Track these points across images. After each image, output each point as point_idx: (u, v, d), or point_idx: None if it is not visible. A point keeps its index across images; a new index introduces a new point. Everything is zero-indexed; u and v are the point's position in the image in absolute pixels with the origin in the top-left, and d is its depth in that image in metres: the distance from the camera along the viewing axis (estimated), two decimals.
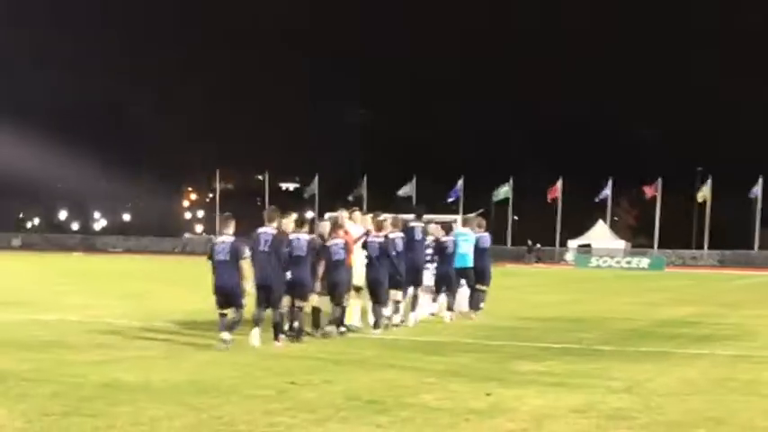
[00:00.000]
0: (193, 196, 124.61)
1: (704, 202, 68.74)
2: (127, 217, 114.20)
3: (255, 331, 12.55)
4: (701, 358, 12.20)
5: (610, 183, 71.63)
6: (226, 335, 12.29)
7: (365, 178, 76.92)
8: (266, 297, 12.67)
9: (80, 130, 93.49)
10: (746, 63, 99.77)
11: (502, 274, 30.34)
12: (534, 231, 76.36)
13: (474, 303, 17.35)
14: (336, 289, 13.87)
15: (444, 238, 16.73)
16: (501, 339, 14.05)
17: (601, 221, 72.82)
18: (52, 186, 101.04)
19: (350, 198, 76.14)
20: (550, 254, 72.54)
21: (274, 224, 12.99)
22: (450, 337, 14.22)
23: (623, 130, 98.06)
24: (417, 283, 15.88)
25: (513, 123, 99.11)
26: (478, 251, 17.44)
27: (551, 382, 9.86)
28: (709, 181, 67.87)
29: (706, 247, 68.21)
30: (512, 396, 8.92)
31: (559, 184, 72.56)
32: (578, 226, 73.79)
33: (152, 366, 10.64)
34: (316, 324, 13.91)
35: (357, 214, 15.79)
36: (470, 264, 17.23)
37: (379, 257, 14.51)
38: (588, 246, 69.76)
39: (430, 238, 16.45)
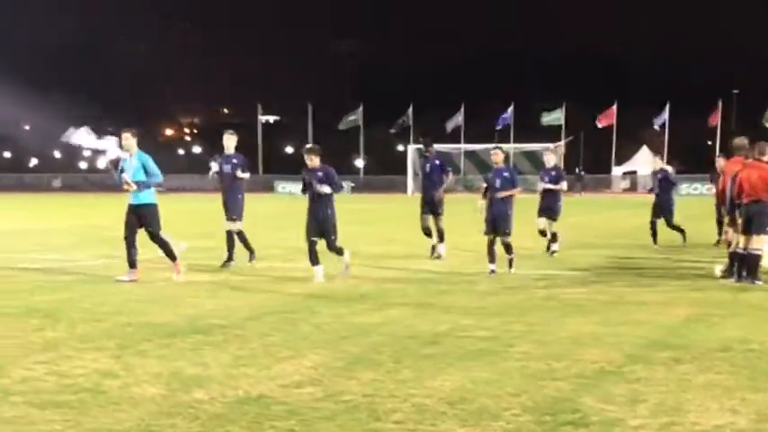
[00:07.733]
0: (168, 132, 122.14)
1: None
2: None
3: None
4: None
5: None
6: None
7: (410, 108, 73.10)
8: None
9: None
10: None
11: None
12: (585, 159, 77.16)
13: None
14: None
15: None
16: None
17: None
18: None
19: (392, 131, 75.06)
20: (603, 181, 74.64)
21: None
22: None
23: None
24: None
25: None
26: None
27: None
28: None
29: None
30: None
31: (614, 108, 71.93)
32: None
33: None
34: None
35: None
36: None
37: None
38: (634, 173, 71.49)
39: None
